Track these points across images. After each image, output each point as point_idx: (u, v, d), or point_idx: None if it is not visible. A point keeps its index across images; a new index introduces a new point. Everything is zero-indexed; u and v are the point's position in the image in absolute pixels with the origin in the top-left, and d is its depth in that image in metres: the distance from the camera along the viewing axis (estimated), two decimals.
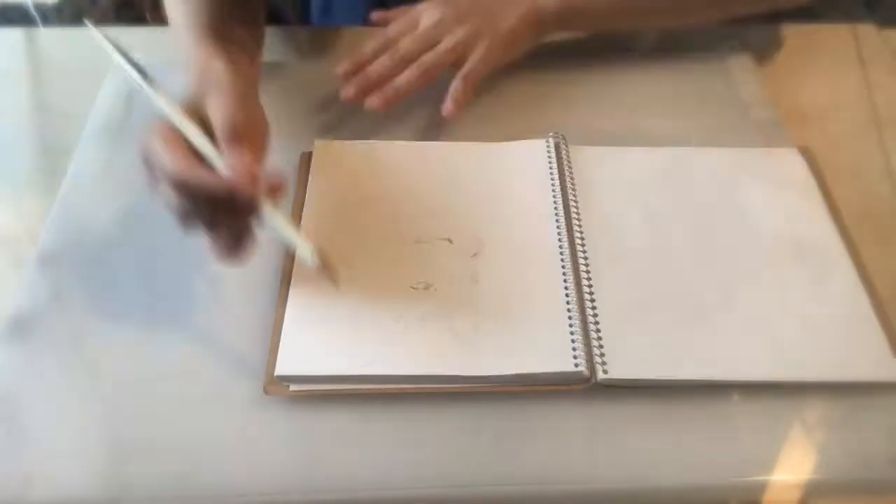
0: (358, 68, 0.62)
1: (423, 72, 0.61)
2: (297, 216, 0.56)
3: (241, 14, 0.60)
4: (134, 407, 0.47)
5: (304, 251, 0.46)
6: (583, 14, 0.66)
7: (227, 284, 0.53)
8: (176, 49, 0.56)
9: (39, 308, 0.52)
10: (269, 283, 0.53)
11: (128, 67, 0.50)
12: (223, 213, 0.46)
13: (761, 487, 0.45)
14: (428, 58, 0.61)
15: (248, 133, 0.48)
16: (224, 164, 0.46)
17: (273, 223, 0.46)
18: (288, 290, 0.51)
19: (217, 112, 0.48)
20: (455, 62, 0.62)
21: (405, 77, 0.60)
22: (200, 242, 0.48)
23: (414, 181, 0.59)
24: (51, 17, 1.34)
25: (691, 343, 0.49)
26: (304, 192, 0.57)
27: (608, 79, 0.69)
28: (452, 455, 0.45)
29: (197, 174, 0.45)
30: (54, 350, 0.50)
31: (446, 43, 0.62)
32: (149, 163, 0.47)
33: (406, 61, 0.61)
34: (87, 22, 0.50)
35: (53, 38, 0.79)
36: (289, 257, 0.53)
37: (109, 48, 0.52)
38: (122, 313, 0.52)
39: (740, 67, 0.70)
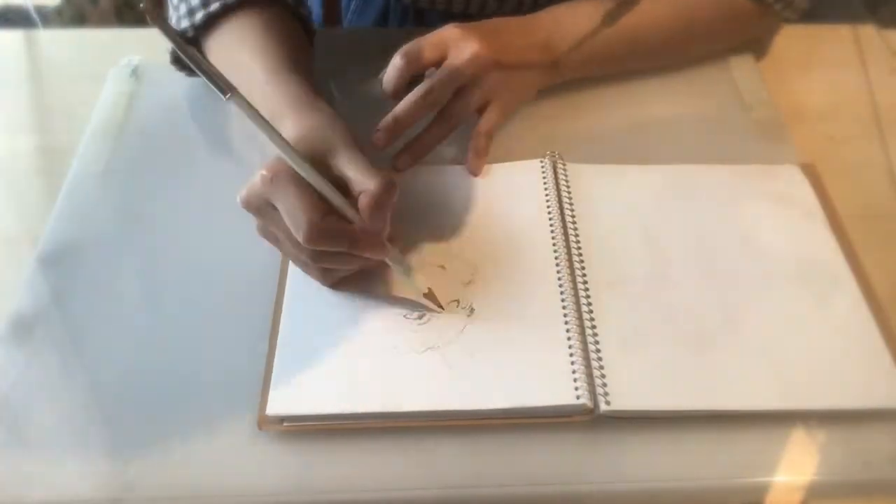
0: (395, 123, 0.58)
1: (451, 127, 0.60)
2: None
3: (306, 67, 0.60)
4: (134, 407, 0.47)
5: (418, 292, 0.51)
6: (595, 62, 0.66)
7: (228, 281, 0.53)
8: (259, 92, 0.54)
9: (39, 308, 0.52)
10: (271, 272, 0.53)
11: (250, 110, 0.46)
12: (346, 259, 0.49)
13: (762, 488, 0.45)
14: (456, 110, 0.59)
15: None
16: (361, 226, 0.47)
17: (395, 269, 0.50)
18: (279, 318, 0.50)
19: (359, 173, 0.48)
20: (479, 111, 0.61)
21: (434, 134, 0.59)
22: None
23: (404, 205, 0.56)
24: (51, 18, 1.34)
25: (694, 372, 0.48)
26: None
27: (606, 82, 0.69)
28: (451, 488, 0.45)
29: (339, 230, 0.47)
30: (54, 350, 0.50)
31: (475, 93, 0.59)
32: (265, 210, 0.48)
33: (435, 105, 0.59)
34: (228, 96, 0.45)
35: (54, 40, 0.79)
36: (282, 273, 0.53)
37: (247, 110, 0.46)
38: (121, 313, 0.52)
39: (742, 68, 0.70)
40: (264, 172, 0.47)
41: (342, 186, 0.48)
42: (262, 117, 0.45)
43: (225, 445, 0.46)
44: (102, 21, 1.37)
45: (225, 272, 0.54)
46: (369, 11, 0.85)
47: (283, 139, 0.46)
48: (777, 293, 0.52)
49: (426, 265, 0.53)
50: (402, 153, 0.60)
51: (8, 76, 0.72)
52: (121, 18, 1.35)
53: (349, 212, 0.48)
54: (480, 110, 0.61)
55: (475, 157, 0.60)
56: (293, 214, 0.46)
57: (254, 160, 0.62)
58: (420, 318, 0.50)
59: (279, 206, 0.47)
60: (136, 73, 0.69)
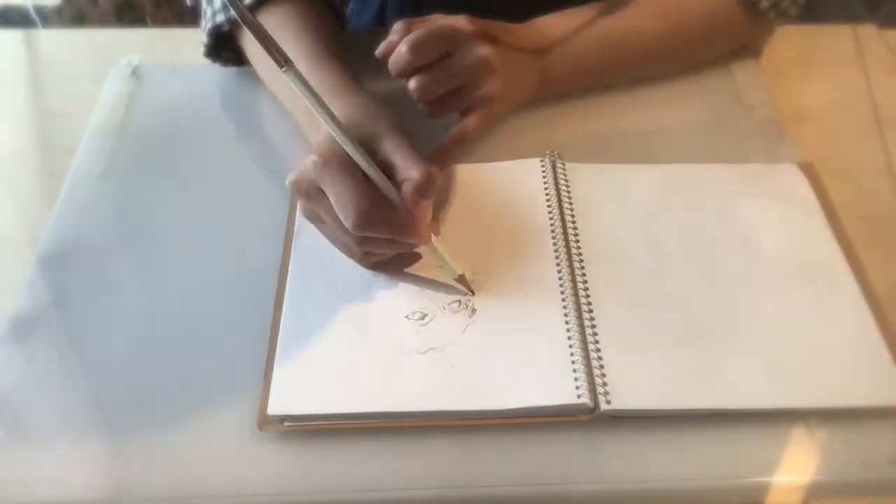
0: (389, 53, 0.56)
1: (438, 115, 0.59)
2: (288, 242, 0.55)
3: (342, 54, 0.60)
4: (134, 407, 0.47)
5: (450, 274, 0.52)
6: (583, 74, 0.65)
7: (228, 281, 0.53)
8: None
9: (39, 308, 0.52)
10: (271, 267, 0.53)
11: (304, 86, 0.45)
12: (390, 244, 0.50)
13: (762, 488, 0.45)
14: (440, 107, 0.59)
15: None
16: (407, 215, 0.48)
17: (431, 255, 0.51)
18: (279, 318, 0.51)
19: (404, 160, 0.48)
20: (462, 113, 0.60)
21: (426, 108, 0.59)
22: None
23: None
24: (51, 18, 1.34)
25: (694, 370, 0.48)
26: (294, 218, 0.56)
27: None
28: (451, 488, 0.45)
29: (385, 218, 0.47)
30: (54, 350, 0.50)
31: (469, 96, 0.59)
32: (314, 194, 0.48)
33: (423, 98, 0.58)
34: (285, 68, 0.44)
35: (54, 40, 0.80)
36: (282, 273, 0.53)
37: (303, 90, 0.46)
38: (121, 313, 0.52)
39: (742, 68, 0.70)
40: (315, 158, 0.47)
41: (387, 171, 0.49)
42: (314, 93, 0.46)
43: (225, 445, 0.46)
44: (102, 21, 1.37)
45: (225, 272, 0.54)
46: (367, 13, 0.84)
47: (334, 117, 0.46)
48: (777, 292, 0.52)
49: (426, 265, 0.53)
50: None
51: (8, 76, 0.73)
52: (121, 18, 1.35)
53: (395, 196, 0.48)
54: (465, 113, 0.60)
55: (436, 157, 0.59)
56: (342, 201, 0.47)
57: (254, 159, 0.62)
58: (422, 318, 0.50)
59: (328, 191, 0.47)
60: (136, 73, 0.69)
